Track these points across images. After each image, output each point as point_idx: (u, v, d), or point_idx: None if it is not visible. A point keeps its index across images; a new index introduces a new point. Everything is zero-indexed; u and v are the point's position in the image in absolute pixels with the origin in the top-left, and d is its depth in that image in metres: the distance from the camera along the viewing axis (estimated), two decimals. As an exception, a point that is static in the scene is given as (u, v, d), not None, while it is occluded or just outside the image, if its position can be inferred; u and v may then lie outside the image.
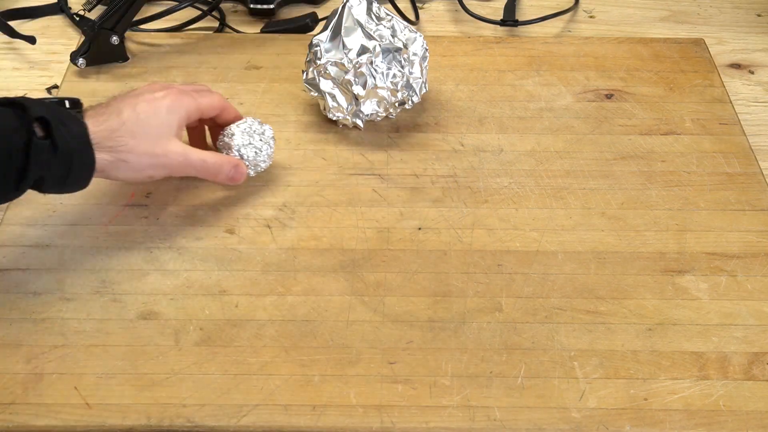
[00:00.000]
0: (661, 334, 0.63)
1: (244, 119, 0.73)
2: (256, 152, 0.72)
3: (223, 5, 0.96)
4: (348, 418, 0.58)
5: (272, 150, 0.73)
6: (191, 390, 0.60)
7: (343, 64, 0.74)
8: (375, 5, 0.77)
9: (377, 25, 0.76)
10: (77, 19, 0.92)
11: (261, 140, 0.72)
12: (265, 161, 0.73)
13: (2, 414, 0.58)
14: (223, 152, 0.72)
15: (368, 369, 0.61)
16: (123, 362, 0.61)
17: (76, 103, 0.68)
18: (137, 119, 0.64)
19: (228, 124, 0.72)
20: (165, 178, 0.74)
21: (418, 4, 0.97)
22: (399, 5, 0.95)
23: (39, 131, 0.60)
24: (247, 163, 0.72)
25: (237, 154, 0.72)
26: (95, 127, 0.63)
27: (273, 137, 0.73)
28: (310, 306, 0.65)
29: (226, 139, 0.72)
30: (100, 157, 0.63)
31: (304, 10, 0.95)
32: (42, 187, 0.62)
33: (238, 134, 0.72)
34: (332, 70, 0.75)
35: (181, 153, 0.67)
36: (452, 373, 0.61)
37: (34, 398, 0.59)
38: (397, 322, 0.64)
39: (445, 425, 0.58)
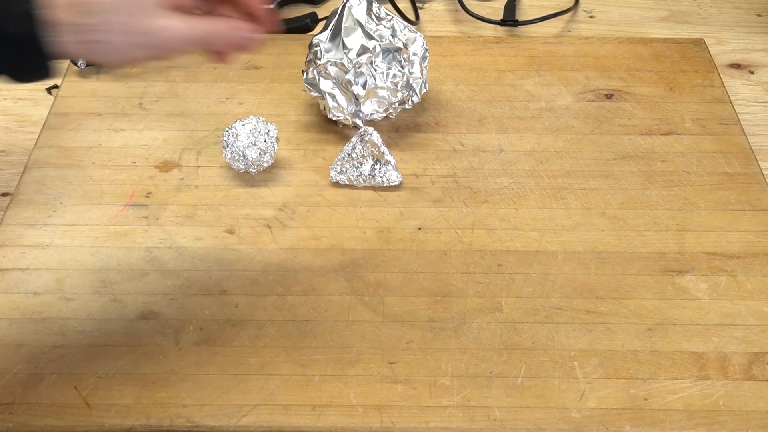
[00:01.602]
0: (661, 334, 0.63)
1: (248, 119, 0.73)
2: (260, 153, 0.72)
3: (223, 5, 0.96)
4: (348, 418, 0.58)
5: (276, 149, 0.74)
6: (191, 390, 0.60)
7: (343, 64, 0.74)
8: (375, 5, 0.77)
9: (377, 25, 0.76)
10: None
11: (266, 141, 0.72)
12: (268, 162, 0.74)
13: (2, 414, 0.58)
14: (225, 151, 0.72)
15: (368, 369, 0.61)
16: (123, 362, 0.61)
17: None
18: None
19: (238, 6, 0.58)
20: (165, 178, 0.74)
21: (418, 4, 0.97)
22: (399, 5, 0.95)
23: None
24: (250, 162, 0.72)
25: (241, 155, 0.72)
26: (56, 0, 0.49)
27: (277, 137, 0.74)
28: (310, 306, 0.65)
29: (231, 140, 0.72)
30: (63, 40, 0.49)
31: (304, 10, 0.95)
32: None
33: (243, 135, 0.72)
34: (332, 70, 0.75)
35: (166, 28, 0.52)
36: (452, 373, 0.61)
37: (34, 398, 0.59)
38: (397, 322, 0.64)
39: (445, 425, 0.58)
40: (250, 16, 0.58)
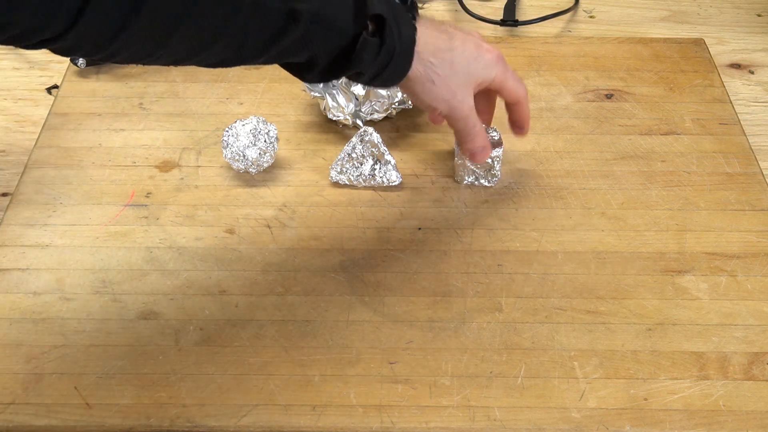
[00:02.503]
0: (661, 334, 0.63)
1: (248, 119, 0.73)
2: (260, 153, 0.72)
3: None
4: (348, 418, 0.58)
5: (276, 149, 0.74)
6: (191, 390, 0.60)
7: (343, 64, 0.74)
8: (375, 5, 0.77)
9: (377, 25, 0.76)
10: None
11: (266, 141, 0.72)
12: (268, 162, 0.74)
13: (2, 414, 0.58)
14: (225, 151, 0.72)
15: (368, 369, 0.61)
16: (123, 362, 0.61)
17: (411, 6, 0.64)
18: (462, 54, 0.63)
19: (510, 114, 0.71)
20: (165, 178, 0.74)
21: (418, 4, 0.97)
22: (399, 5, 0.95)
23: (371, 27, 0.57)
24: (250, 162, 0.72)
25: (241, 155, 0.72)
26: (424, 37, 0.60)
27: (277, 137, 0.73)
28: (309, 306, 0.65)
29: (231, 140, 0.72)
30: (416, 67, 0.60)
31: (304, 10, 0.95)
32: (349, 78, 0.60)
33: (243, 135, 0.72)
34: (332, 70, 0.75)
35: (470, 109, 0.66)
36: (452, 373, 0.61)
37: (34, 398, 0.59)
38: (397, 322, 0.64)
39: (445, 425, 0.58)
40: (512, 121, 0.71)
